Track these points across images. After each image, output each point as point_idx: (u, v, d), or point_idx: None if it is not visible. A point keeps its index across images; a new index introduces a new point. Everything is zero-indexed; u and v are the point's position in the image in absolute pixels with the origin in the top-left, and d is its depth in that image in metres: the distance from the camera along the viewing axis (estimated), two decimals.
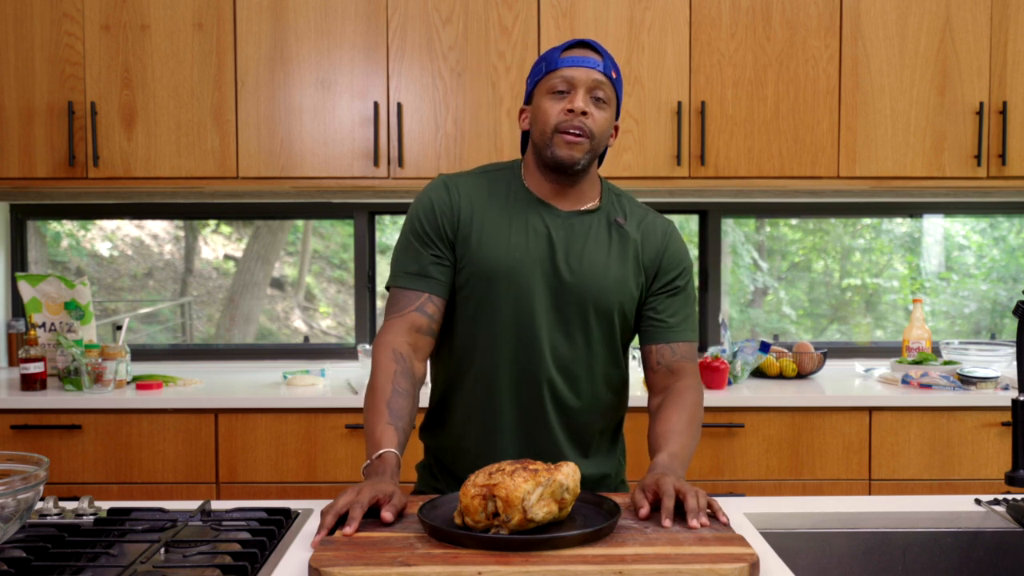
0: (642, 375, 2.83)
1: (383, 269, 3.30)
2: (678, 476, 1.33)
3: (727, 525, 1.21)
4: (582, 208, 1.53)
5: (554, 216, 1.50)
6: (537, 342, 1.48)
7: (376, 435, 1.38)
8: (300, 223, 3.52)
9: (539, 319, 1.48)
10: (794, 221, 3.48)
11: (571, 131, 1.44)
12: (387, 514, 1.22)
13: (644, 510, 1.24)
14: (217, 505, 1.44)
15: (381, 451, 1.35)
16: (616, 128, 1.55)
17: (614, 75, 1.49)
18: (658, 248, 1.55)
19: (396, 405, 1.41)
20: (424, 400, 1.67)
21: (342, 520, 1.21)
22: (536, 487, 1.15)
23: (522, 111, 1.55)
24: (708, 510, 1.24)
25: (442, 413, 1.60)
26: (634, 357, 2.97)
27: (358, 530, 1.18)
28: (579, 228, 1.51)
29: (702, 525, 1.19)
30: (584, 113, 1.44)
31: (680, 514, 1.24)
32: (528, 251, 1.48)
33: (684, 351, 1.56)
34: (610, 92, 1.48)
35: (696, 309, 1.61)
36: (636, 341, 1.63)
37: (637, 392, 2.63)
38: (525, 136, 1.57)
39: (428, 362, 1.56)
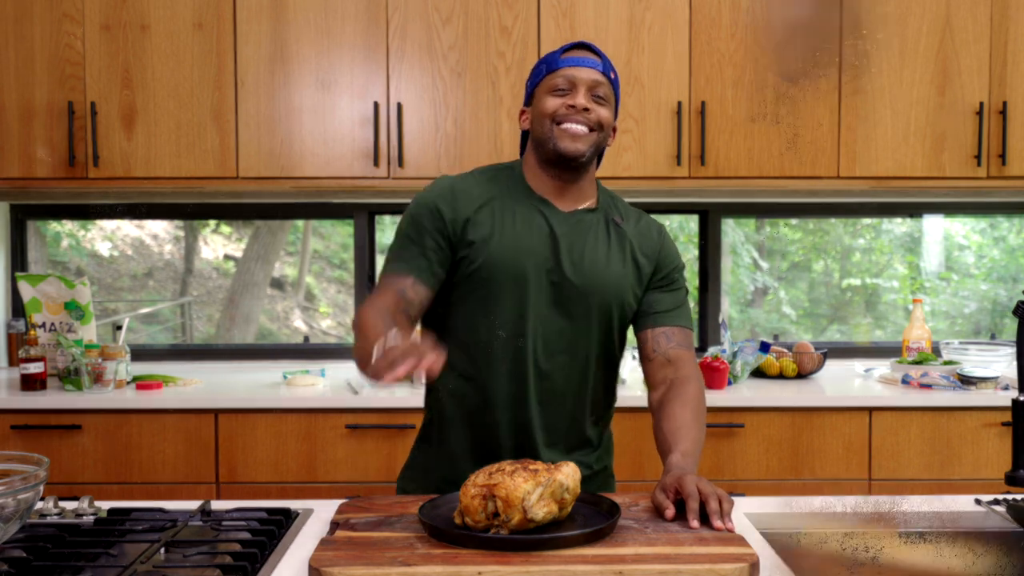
0: (642, 376, 2.83)
1: None
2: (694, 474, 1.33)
3: (731, 531, 1.20)
4: (581, 207, 1.55)
5: (555, 214, 1.52)
6: (534, 336, 1.49)
7: (379, 331, 1.25)
8: (300, 223, 3.52)
9: (538, 314, 1.48)
10: (794, 221, 3.48)
11: (574, 123, 1.47)
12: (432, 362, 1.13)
13: (670, 511, 1.25)
14: (217, 505, 1.44)
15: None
16: (614, 129, 1.58)
17: (612, 76, 1.53)
18: (654, 247, 1.59)
19: (391, 322, 1.33)
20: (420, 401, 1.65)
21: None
22: (536, 487, 1.15)
23: (522, 112, 1.58)
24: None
25: (441, 414, 1.59)
26: (634, 357, 2.97)
27: (358, 530, 1.18)
28: (580, 226, 1.53)
29: (728, 529, 1.19)
30: (586, 109, 1.47)
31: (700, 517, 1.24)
32: (532, 247, 1.49)
33: (679, 338, 1.56)
34: (609, 91, 1.52)
35: (690, 307, 1.63)
36: (633, 342, 1.63)
37: (637, 392, 2.63)
38: (524, 137, 1.60)
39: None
